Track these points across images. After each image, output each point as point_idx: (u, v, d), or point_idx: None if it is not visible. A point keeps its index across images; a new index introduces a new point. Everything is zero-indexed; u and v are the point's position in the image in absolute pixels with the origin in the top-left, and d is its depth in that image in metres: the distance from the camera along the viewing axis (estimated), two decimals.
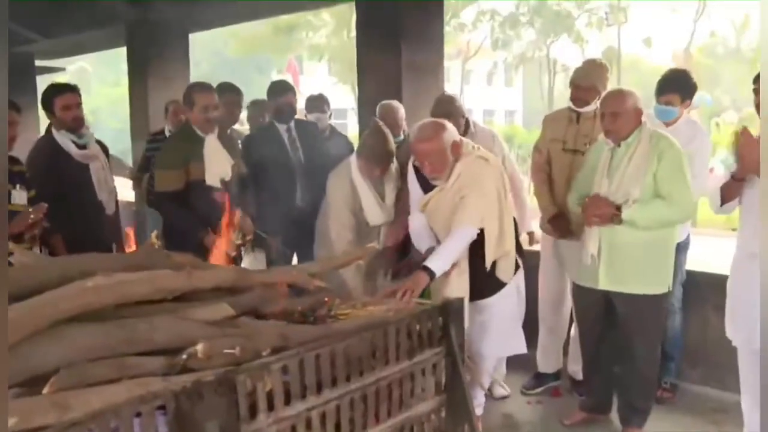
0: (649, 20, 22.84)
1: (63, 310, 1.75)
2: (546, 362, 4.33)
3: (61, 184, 3.88)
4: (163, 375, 1.80)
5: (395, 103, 4.75)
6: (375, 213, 3.86)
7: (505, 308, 3.45)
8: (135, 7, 7.60)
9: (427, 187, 3.42)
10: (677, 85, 4.02)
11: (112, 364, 1.73)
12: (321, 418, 2.01)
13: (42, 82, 7.77)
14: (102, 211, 4.12)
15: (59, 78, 12.13)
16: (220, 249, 2.93)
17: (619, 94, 3.45)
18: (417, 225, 3.48)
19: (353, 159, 3.86)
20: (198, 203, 3.81)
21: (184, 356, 1.83)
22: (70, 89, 4.04)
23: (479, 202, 3.25)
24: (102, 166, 4.15)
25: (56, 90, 4.03)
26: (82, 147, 4.04)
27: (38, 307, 1.75)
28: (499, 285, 3.42)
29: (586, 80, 3.98)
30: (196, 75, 8.21)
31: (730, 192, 3.17)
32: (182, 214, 3.84)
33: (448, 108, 4.03)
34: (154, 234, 2.43)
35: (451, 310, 2.45)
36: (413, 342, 2.32)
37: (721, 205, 3.21)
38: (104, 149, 4.30)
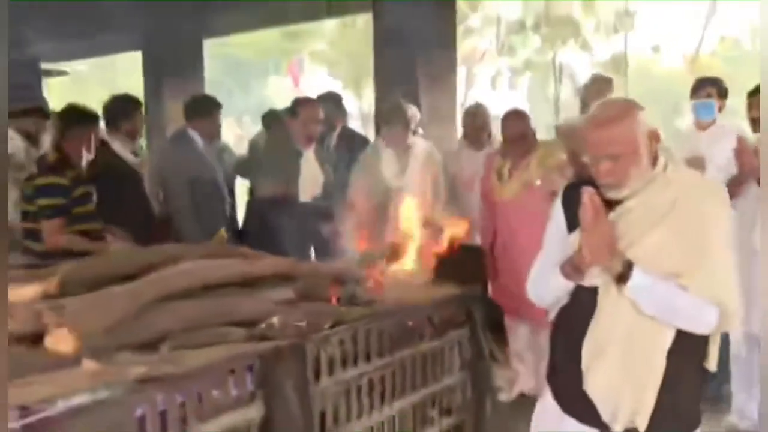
0: (657, 26, 23.14)
1: (168, 287, 2.28)
2: None
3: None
4: (245, 341, 2.32)
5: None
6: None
7: None
8: (150, 13, 8.19)
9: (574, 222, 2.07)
10: (712, 82, 4.13)
11: (209, 332, 2.26)
12: (369, 383, 2.54)
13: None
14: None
15: (60, 80, 12.60)
16: None
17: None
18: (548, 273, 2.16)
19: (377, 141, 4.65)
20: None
21: (263, 326, 2.34)
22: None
23: (729, 261, 2.05)
24: None
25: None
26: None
27: (149, 284, 2.28)
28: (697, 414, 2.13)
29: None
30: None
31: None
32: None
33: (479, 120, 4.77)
34: (222, 230, 2.97)
35: (473, 298, 3.01)
36: (440, 324, 2.86)
37: None
38: None
